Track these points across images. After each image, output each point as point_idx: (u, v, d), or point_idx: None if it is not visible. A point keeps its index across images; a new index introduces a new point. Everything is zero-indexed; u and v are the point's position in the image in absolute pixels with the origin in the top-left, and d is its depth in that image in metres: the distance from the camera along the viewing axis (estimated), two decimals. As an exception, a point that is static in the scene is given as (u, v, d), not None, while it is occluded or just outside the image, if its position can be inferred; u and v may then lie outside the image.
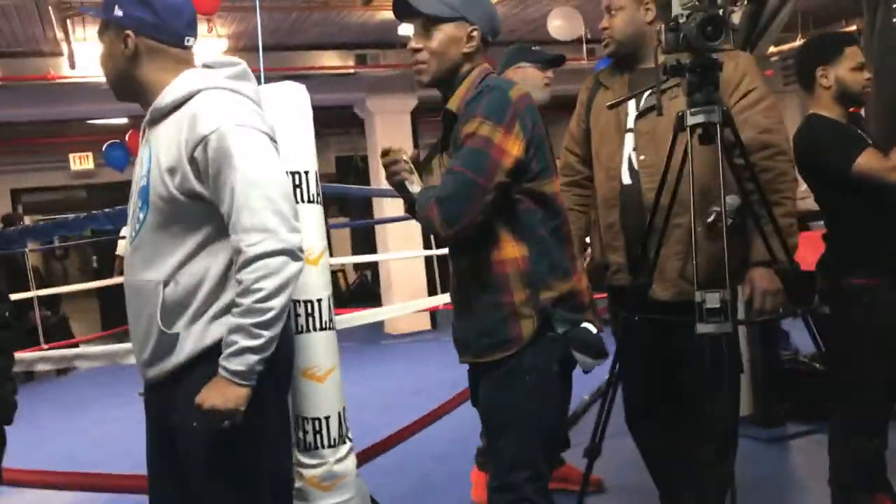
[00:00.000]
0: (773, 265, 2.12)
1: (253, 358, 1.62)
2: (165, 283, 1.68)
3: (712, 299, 1.89)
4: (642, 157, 2.26)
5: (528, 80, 2.77)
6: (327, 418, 2.08)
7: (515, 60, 2.86)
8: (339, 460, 2.10)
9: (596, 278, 2.40)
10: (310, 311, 2.06)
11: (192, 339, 1.69)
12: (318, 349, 2.09)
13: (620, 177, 2.30)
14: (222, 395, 1.62)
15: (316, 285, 2.07)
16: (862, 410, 2.51)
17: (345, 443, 2.13)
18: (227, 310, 1.67)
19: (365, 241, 10.04)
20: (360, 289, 11.59)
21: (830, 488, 2.56)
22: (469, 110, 1.79)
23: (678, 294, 2.22)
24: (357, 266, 11.28)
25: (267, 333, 1.62)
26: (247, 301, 1.61)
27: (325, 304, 2.11)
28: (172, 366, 1.71)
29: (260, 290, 1.60)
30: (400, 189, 1.87)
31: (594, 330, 1.87)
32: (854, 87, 2.48)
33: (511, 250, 1.82)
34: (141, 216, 1.72)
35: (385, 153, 1.88)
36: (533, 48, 2.91)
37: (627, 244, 2.31)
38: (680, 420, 2.46)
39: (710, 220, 2.13)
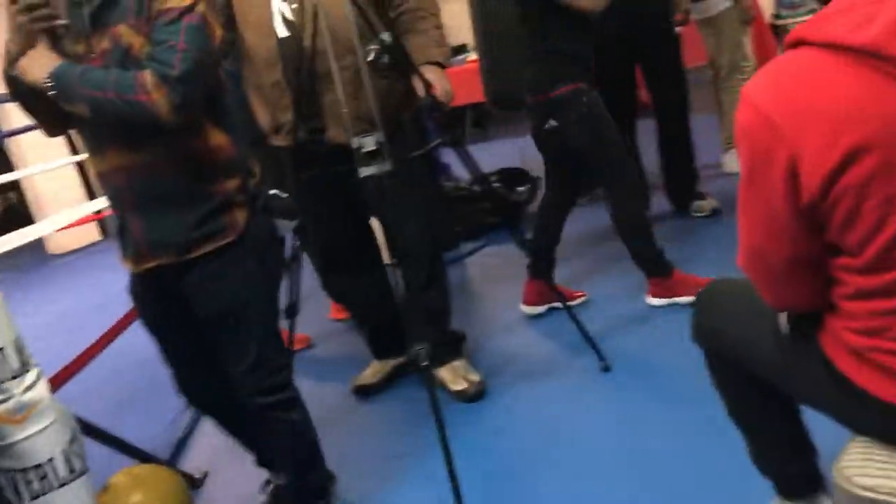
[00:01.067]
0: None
1: None
2: None
3: (368, 142, 1.98)
4: (294, 6, 2.26)
5: None
6: (1, 350, 1.92)
7: None
8: (28, 388, 1.94)
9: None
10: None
11: None
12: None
13: (275, 32, 2.28)
14: None
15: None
16: (622, 182, 2.88)
17: (28, 370, 1.98)
18: None
19: (-2, 160, 8.91)
20: (9, 215, 10.41)
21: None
22: None
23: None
24: (-3, 189, 10.03)
25: None
26: None
27: (-36, 231, 1.90)
28: None
29: None
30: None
31: (281, 194, 1.95)
32: None
33: (217, 138, 1.78)
34: None
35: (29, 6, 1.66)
36: None
37: (296, 99, 2.30)
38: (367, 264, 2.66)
39: (370, 58, 2.19)
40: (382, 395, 2.82)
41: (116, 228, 1.87)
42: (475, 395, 2.62)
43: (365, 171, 1.99)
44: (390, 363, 2.84)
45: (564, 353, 2.79)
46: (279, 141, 2.44)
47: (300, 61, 2.26)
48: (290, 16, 2.28)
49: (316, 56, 2.23)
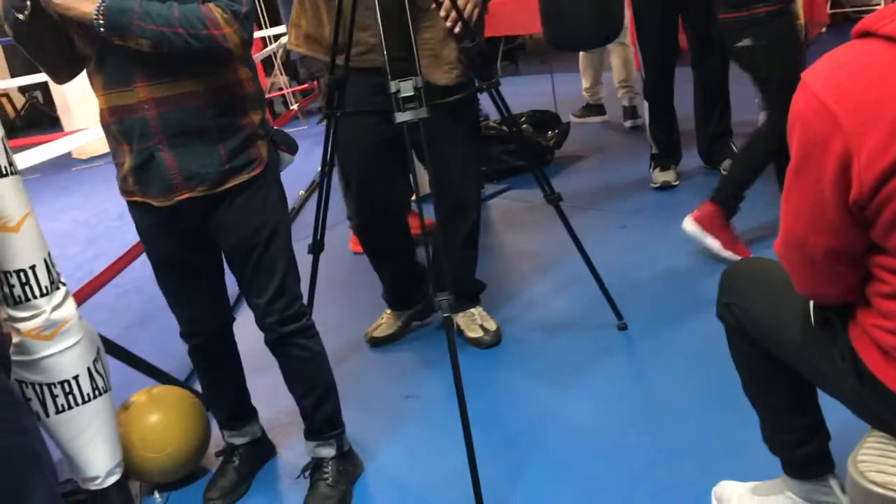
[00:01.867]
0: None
1: None
2: None
3: (406, 87, 1.96)
4: None
5: None
6: (32, 268, 1.94)
7: None
8: (56, 307, 1.98)
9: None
10: (-17, 157, 1.85)
11: None
12: (4, 198, 1.90)
13: None
14: None
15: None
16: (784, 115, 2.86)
17: (58, 288, 2.01)
18: None
19: (25, 59, 8.86)
20: (33, 112, 10.41)
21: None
22: None
23: (457, 77, 2.37)
24: (23, 88, 10.01)
25: None
26: None
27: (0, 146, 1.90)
28: None
29: None
30: None
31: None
32: None
33: (243, 72, 1.83)
34: None
35: None
36: None
37: (385, 26, 2.16)
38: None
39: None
40: (397, 339, 2.85)
41: (133, 165, 1.82)
42: (491, 344, 2.66)
43: (401, 117, 1.97)
44: (406, 313, 2.85)
45: (582, 306, 2.81)
46: (338, 60, 2.31)
47: None
48: None
49: None
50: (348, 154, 2.53)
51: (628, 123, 4.95)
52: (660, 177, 3.75)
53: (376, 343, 2.83)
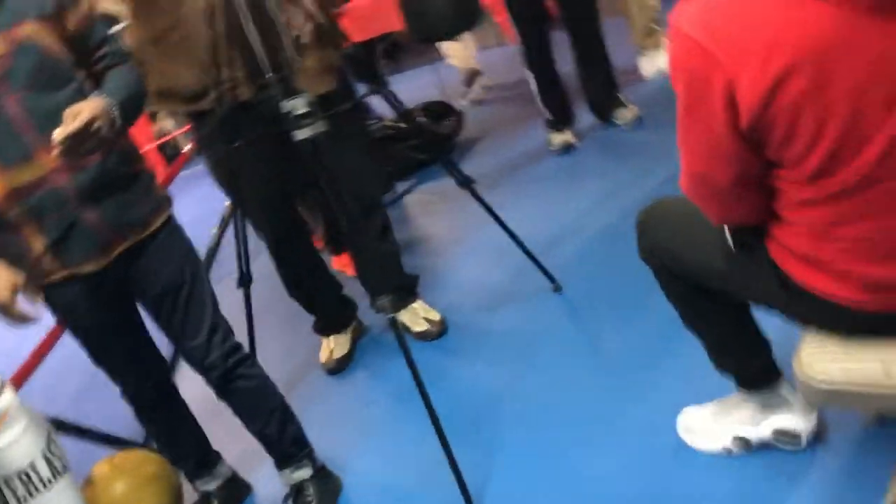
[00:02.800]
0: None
1: None
2: None
3: (298, 105, 1.96)
4: None
5: None
6: (-38, 365, 1.88)
7: None
8: (-5, 399, 1.93)
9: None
10: None
11: None
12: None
13: None
14: None
15: None
16: None
17: (-7, 380, 1.96)
18: None
19: None
20: None
21: None
22: None
23: (334, 81, 2.37)
24: None
25: None
26: None
27: None
28: None
29: None
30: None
31: None
32: None
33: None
34: None
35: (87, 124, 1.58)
36: None
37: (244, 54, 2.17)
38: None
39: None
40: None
41: (49, 242, 1.75)
42: (438, 334, 2.70)
43: (301, 135, 1.98)
44: (346, 332, 2.86)
45: (516, 278, 2.87)
46: (202, 105, 2.32)
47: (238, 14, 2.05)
48: None
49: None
50: (251, 206, 2.52)
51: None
52: (558, 139, 3.85)
53: (339, 368, 2.78)
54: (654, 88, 4.11)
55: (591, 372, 2.22)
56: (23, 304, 1.72)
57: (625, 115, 3.82)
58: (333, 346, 2.81)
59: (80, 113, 1.57)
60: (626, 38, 4.30)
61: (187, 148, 7.14)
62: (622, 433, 1.94)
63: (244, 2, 1.96)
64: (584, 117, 3.97)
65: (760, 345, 1.67)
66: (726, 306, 1.60)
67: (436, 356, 2.61)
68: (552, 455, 1.98)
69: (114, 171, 1.77)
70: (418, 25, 2.84)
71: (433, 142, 4.29)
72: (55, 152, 1.56)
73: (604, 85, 3.87)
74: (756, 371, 1.69)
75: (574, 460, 1.93)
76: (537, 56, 3.77)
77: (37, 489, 1.98)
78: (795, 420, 1.69)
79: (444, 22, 3.20)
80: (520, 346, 2.49)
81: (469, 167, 4.02)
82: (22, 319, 1.70)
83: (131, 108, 1.74)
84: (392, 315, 1.95)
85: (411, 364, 1.93)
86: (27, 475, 1.97)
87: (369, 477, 2.20)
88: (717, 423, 1.77)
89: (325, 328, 2.85)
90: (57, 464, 2.04)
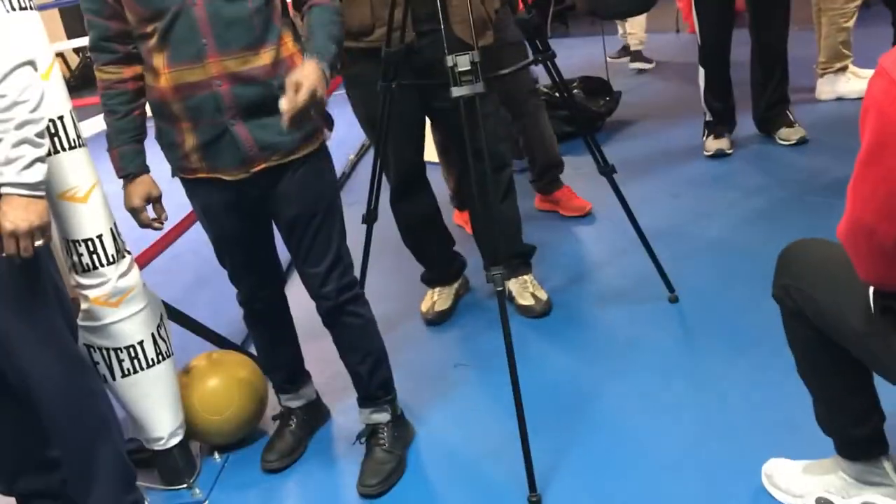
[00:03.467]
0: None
1: (43, 167, 1.66)
2: None
3: (462, 62, 1.96)
4: None
5: None
6: (100, 237, 2.01)
7: None
8: (122, 275, 2.06)
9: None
10: (53, 130, 1.91)
11: None
12: (73, 170, 1.96)
13: None
14: (27, 211, 1.64)
15: (52, 101, 1.89)
16: None
17: (124, 257, 2.09)
18: None
19: (81, 19, 8.97)
20: (88, 72, 10.57)
21: None
22: None
23: (492, 36, 2.38)
24: (78, 49, 10.15)
25: (45, 141, 1.67)
26: (19, 113, 1.62)
27: (68, 121, 1.96)
28: None
29: (27, 100, 1.63)
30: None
31: None
32: None
33: (294, 45, 1.86)
34: None
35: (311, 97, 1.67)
36: None
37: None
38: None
39: None
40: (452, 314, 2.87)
41: (200, 142, 1.85)
42: (541, 313, 2.68)
43: (457, 91, 1.98)
44: (452, 287, 2.88)
45: (633, 276, 2.81)
46: (367, 41, 2.36)
47: None
48: None
49: None
50: (387, 146, 2.54)
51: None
52: (713, 145, 3.70)
53: (438, 321, 2.81)
54: (826, 113, 3.90)
55: (687, 394, 2.16)
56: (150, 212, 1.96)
57: (789, 134, 3.64)
58: (436, 298, 2.85)
59: (301, 85, 1.64)
60: (808, 51, 4.07)
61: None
62: (703, 465, 1.89)
63: None
64: (745, 125, 3.81)
65: (873, 414, 1.58)
66: (848, 367, 1.51)
67: (533, 334, 2.61)
68: (624, 466, 1.95)
69: (275, 94, 1.79)
70: (596, 1, 2.79)
71: (584, 117, 4.21)
72: (284, 121, 1.66)
73: (776, 98, 3.68)
74: (861, 440, 1.60)
75: (645, 479, 1.89)
76: (714, 53, 3.62)
77: (141, 367, 2.12)
78: (891, 503, 1.59)
79: (622, 2, 3.12)
80: (620, 347, 2.44)
81: (614, 150, 3.97)
82: (148, 225, 1.94)
83: (336, 61, 1.81)
84: (500, 289, 1.94)
85: (508, 337, 1.93)
86: (135, 351, 2.11)
87: (441, 435, 2.23)
88: (804, 480, 1.69)
89: (432, 279, 2.88)
90: (163, 347, 2.17)
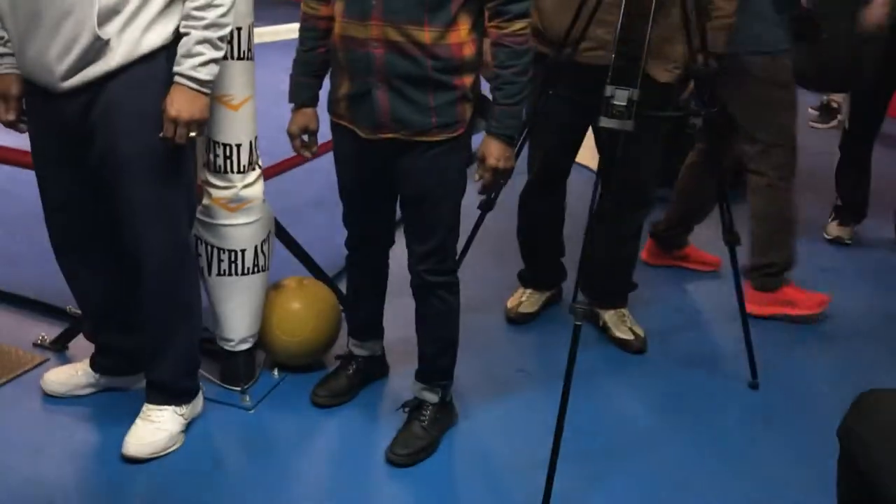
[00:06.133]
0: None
1: (216, 68, 1.84)
2: None
3: (620, 96, 1.96)
4: None
5: None
6: (238, 146, 2.15)
7: None
8: (247, 186, 2.20)
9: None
10: (229, 38, 2.03)
11: (125, 45, 1.80)
12: (235, 78, 2.10)
13: None
14: (192, 103, 1.82)
15: (239, 12, 2.01)
16: None
17: (254, 169, 2.22)
18: (158, 16, 1.80)
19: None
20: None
21: None
22: None
23: (677, 76, 2.38)
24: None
25: (224, 46, 1.84)
26: (210, 15, 1.80)
27: (244, 33, 2.08)
28: (101, 72, 1.81)
29: (221, 4, 1.81)
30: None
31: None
32: None
33: (467, 35, 1.88)
34: None
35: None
36: None
37: (624, 22, 2.17)
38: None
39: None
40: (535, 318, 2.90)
41: (350, 93, 1.94)
42: (639, 349, 2.69)
43: (605, 123, 1.98)
44: (545, 294, 2.91)
45: (721, 347, 2.77)
46: (555, 53, 2.36)
47: None
48: None
49: None
50: (546, 127, 2.56)
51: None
52: (834, 230, 3.60)
53: (520, 321, 2.84)
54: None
55: (731, 485, 2.13)
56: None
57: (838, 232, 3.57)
58: (525, 299, 2.88)
59: (487, 161, 1.91)
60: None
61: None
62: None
63: None
64: (879, 222, 3.63)
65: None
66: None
67: (604, 367, 2.61)
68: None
69: (426, 73, 1.86)
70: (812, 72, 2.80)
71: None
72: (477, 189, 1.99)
73: (858, 192, 3.55)
74: None
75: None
76: (856, 138, 3.50)
77: (236, 272, 2.27)
78: None
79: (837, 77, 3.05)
80: (683, 411, 2.42)
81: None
82: (298, 152, 2.10)
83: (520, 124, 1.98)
84: (579, 323, 1.96)
85: (571, 364, 1.95)
86: (235, 255, 2.26)
87: (480, 433, 2.29)
88: None
89: (528, 279, 2.91)
90: (261, 260, 2.31)
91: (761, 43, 2.68)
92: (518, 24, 1.86)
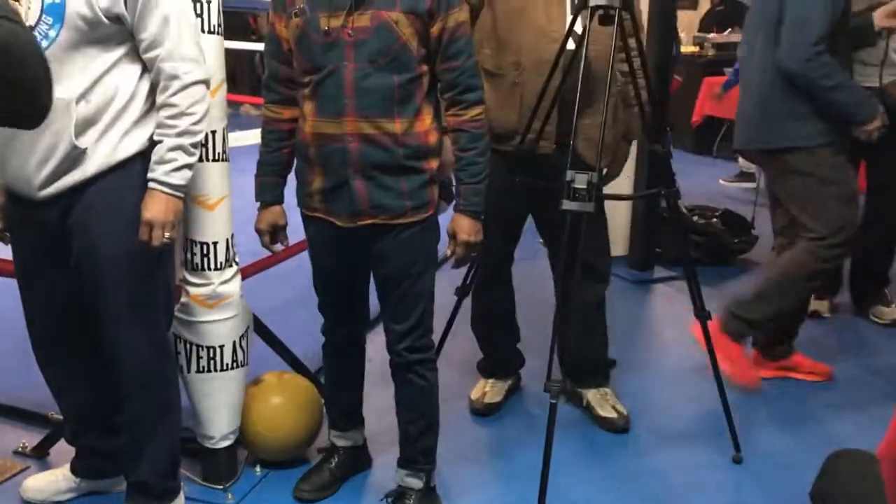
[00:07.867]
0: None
1: (189, 173, 1.90)
2: (77, 101, 1.81)
3: (580, 180, 2.04)
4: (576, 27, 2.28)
5: None
6: (215, 244, 2.21)
7: None
8: (224, 282, 2.24)
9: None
10: (204, 142, 2.12)
11: (101, 153, 1.87)
12: (210, 179, 2.17)
13: (564, 42, 2.30)
14: (166, 207, 1.87)
15: (213, 117, 2.11)
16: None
17: (231, 266, 2.27)
18: (133, 126, 1.88)
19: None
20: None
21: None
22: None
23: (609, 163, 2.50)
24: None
25: (197, 151, 1.92)
26: (183, 123, 1.86)
27: (219, 136, 2.17)
28: (77, 180, 1.88)
29: (193, 113, 1.87)
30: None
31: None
32: None
33: (431, 123, 2.01)
34: (52, 34, 1.80)
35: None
36: None
37: (560, 112, 2.35)
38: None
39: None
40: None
41: (324, 187, 2.02)
42: (623, 428, 2.70)
43: (568, 205, 2.06)
44: (507, 382, 2.92)
45: (701, 424, 2.77)
46: (502, 146, 2.45)
47: (575, 76, 2.22)
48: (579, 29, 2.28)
49: (589, 77, 2.24)
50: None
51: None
52: (813, 304, 3.62)
53: (485, 412, 2.82)
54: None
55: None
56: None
57: (884, 312, 3.61)
58: (489, 389, 2.88)
59: (459, 236, 2.04)
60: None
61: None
62: None
63: (593, 69, 2.11)
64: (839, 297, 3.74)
65: None
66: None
67: (583, 448, 2.60)
68: None
69: (398, 161, 1.96)
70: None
71: (715, 249, 4.22)
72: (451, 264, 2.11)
73: (877, 272, 3.61)
74: None
75: None
76: None
77: (215, 368, 2.29)
78: None
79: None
80: (665, 493, 2.41)
81: (733, 286, 3.89)
82: (268, 248, 2.19)
83: (484, 200, 2.06)
84: (554, 401, 1.98)
85: (549, 446, 1.97)
86: (214, 352, 2.28)
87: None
88: None
89: (487, 369, 2.92)
90: (240, 356, 2.33)
91: (794, 138, 2.72)
92: (474, 111, 2.00)
